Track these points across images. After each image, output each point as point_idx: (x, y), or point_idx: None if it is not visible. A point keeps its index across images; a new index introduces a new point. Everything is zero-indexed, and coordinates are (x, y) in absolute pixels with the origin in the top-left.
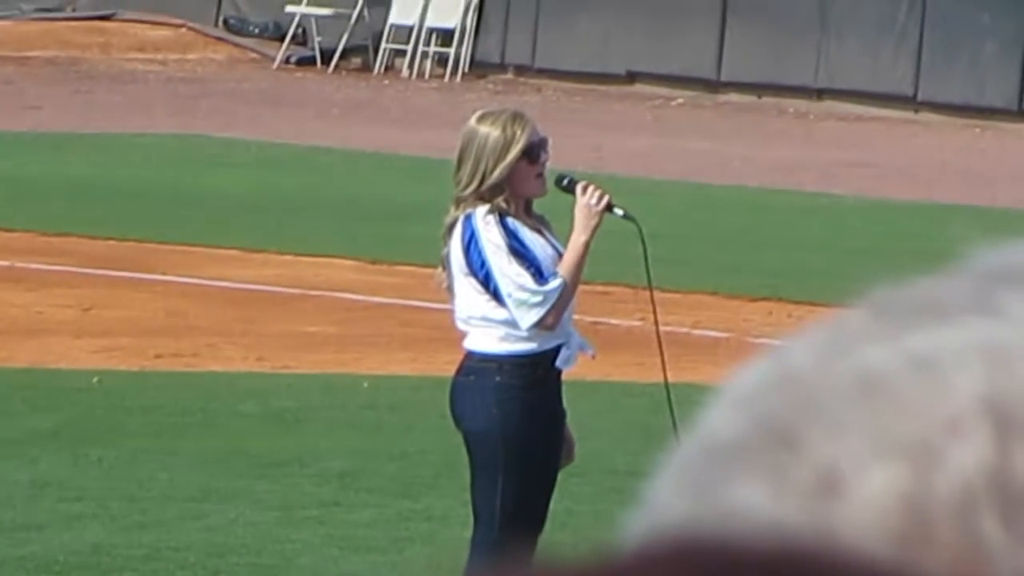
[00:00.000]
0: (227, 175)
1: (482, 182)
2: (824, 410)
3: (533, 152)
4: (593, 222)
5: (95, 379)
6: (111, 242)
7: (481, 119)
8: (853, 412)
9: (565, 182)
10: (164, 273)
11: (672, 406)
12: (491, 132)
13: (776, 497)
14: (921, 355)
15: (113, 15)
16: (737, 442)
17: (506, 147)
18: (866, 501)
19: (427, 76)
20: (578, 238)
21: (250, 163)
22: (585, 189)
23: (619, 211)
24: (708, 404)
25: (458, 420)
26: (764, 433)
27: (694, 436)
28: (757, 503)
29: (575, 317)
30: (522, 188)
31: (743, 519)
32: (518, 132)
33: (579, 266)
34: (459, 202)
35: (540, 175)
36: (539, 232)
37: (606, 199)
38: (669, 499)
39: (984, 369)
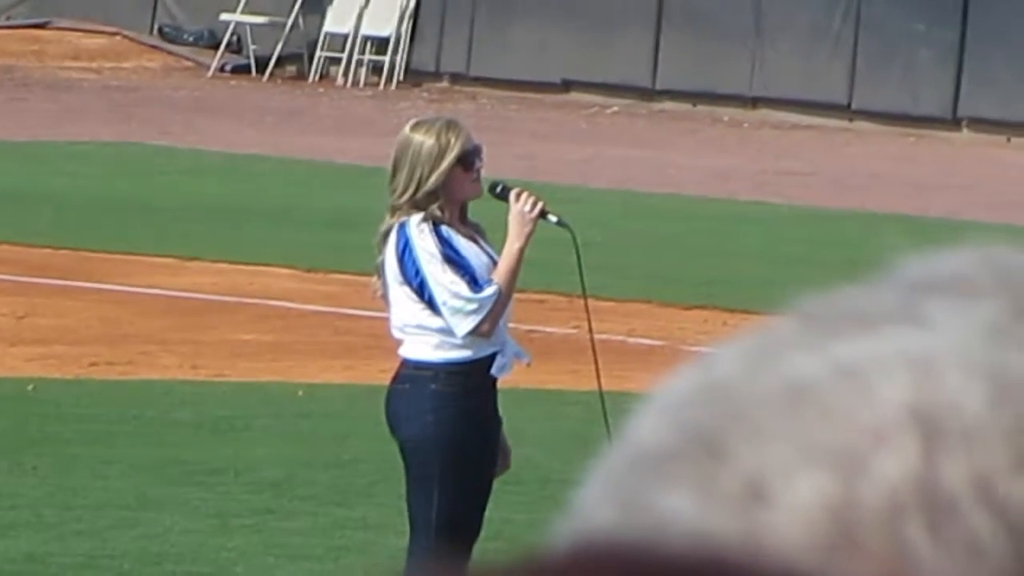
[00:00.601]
0: (162, 183)
1: (417, 189)
2: (750, 418)
3: (468, 159)
4: (527, 229)
5: (30, 387)
6: (46, 250)
7: (415, 127)
8: (779, 421)
9: (499, 189)
10: (99, 281)
11: (607, 414)
12: (426, 140)
13: (702, 505)
14: (847, 364)
15: (48, 23)
16: (664, 450)
17: (441, 154)
18: (792, 510)
19: (362, 84)
20: (512, 245)
21: (185, 171)
22: (519, 196)
23: (553, 218)
24: (636, 412)
25: (394, 428)
26: (691, 441)
27: (621, 444)
28: (683, 511)
29: (510, 325)
30: (458, 193)
31: (669, 527)
32: (452, 139)
33: (514, 273)
34: (394, 210)
35: (475, 181)
36: (473, 240)
37: (540, 206)
38: (596, 506)
39: (910, 378)
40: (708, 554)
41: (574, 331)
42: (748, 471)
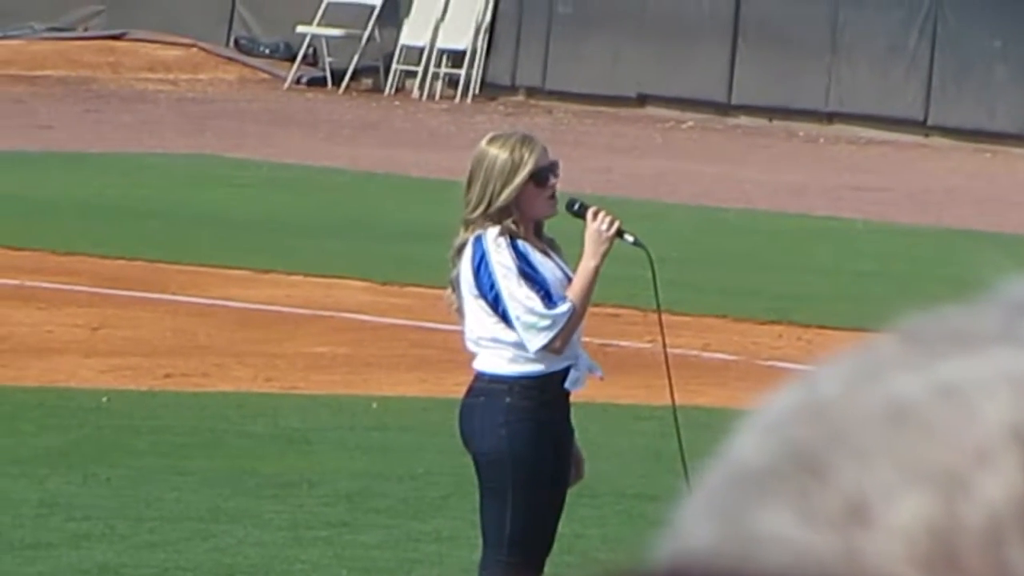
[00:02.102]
0: (237, 195)
1: (490, 204)
2: (852, 438)
3: (541, 175)
4: (603, 248)
5: (104, 398)
6: (121, 262)
7: (491, 141)
8: (881, 441)
9: (576, 207)
10: (174, 293)
11: (679, 430)
12: (499, 155)
13: (803, 524)
14: (950, 384)
15: (124, 35)
16: (765, 469)
17: (514, 170)
18: (893, 530)
19: (437, 97)
20: (588, 263)
21: (260, 183)
22: (596, 215)
23: (629, 237)
24: (736, 430)
25: (467, 441)
26: (792, 460)
27: (722, 462)
28: (784, 530)
29: (584, 339)
30: (531, 210)
31: (769, 546)
32: (526, 155)
33: (588, 291)
34: (468, 224)
35: (551, 197)
36: (548, 255)
37: (616, 225)
38: (695, 524)
39: (1012, 398)
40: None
41: (648, 346)
42: (849, 491)
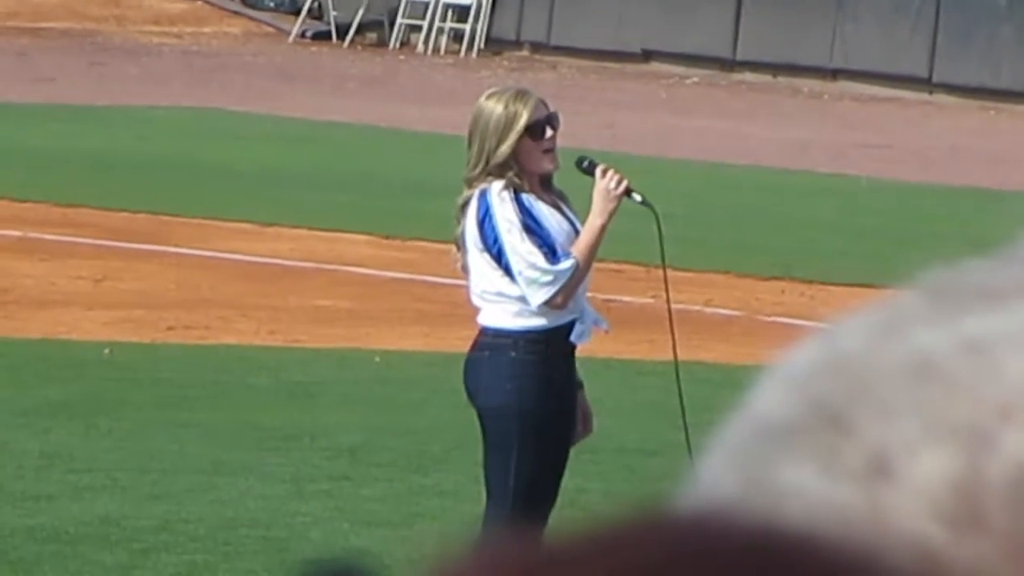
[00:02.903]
0: (241, 149)
1: (488, 161)
2: (876, 393)
3: (536, 128)
4: (611, 206)
5: (107, 351)
6: (124, 214)
7: (488, 98)
8: (905, 396)
9: (585, 164)
10: (177, 246)
11: (680, 386)
12: (495, 111)
13: (826, 479)
14: (974, 339)
15: None
16: (788, 423)
17: (508, 125)
18: (917, 485)
19: (442, 52)
20: (594, 221)
21: (264, 137)
22: (604, 173)
23: (637, 197)
24: (759, 384)
25: (472, 396)
26: (815, 415)
27: (745, 415)
28: (807, 485)
29: (588, 294)
30: (530, 164)
31: (792, 499)
32: (520, 109)
33: (593, 248)
34: (469, 182)
35: (548, 151)
36: (556, 207)
37: (624, 184)
38: (719, 477)
39: None
40: (781, 539)
41: (651, 301)
42: (873, 446)
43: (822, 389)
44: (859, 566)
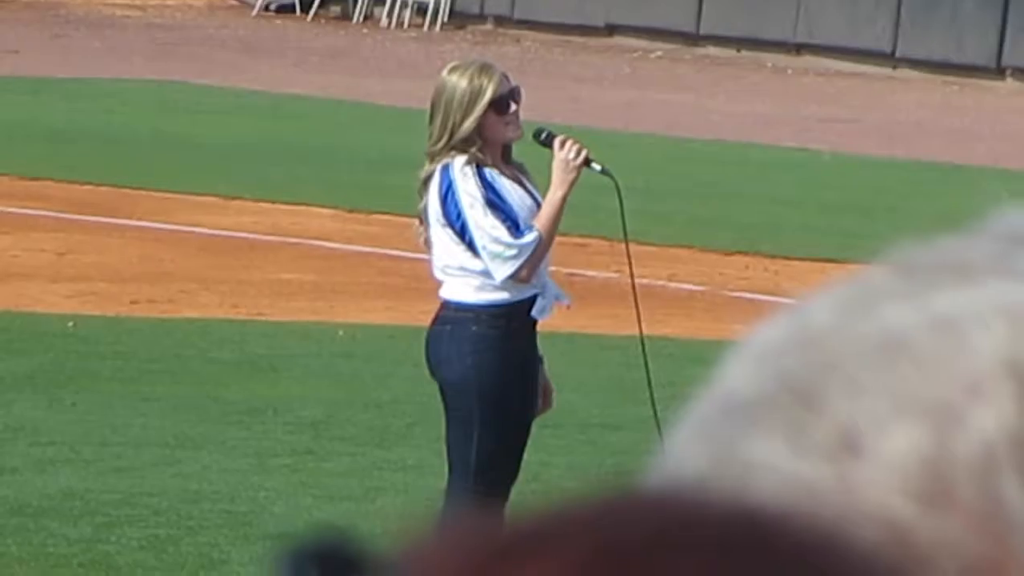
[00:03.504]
0: (204, 122)
1: (452, 135)
2: (845, 369)
3: (501, 103)
4: (571, 177)
5: (70, 324)
6: (88, 187)
7: (450, 72)
8: (874, 372)
9: (543, 136)
10: (140, 219)
11: (647, 360)
12: (458, 85)
13: (795, 454)
14: (943, 315)
15: None
16: (757, 399)
17: (473, 100)
18: (886, 461)
19: (406, 26)
20: (555, 193)
21: (227, 110)
22: (563, 144)
23: (597, 166)
24: (726, 359)
25: (434, 370)
26: (784, 391)
27: (713, 391)
28: (776, 460)
29: (551, 268)
30: (494, 137)
31: (761, 476)
32: (485, 83)
33: (555, 220)
34: (432, 156)
35: (510, 124)
36: (518, 181)
37: (584, 154)
38: (687, 452)
39: (1007, 331)
40: (760, 512)
41: (615, 275)
42: (842, 422)
43: (791, 365)
44: (835, 541)
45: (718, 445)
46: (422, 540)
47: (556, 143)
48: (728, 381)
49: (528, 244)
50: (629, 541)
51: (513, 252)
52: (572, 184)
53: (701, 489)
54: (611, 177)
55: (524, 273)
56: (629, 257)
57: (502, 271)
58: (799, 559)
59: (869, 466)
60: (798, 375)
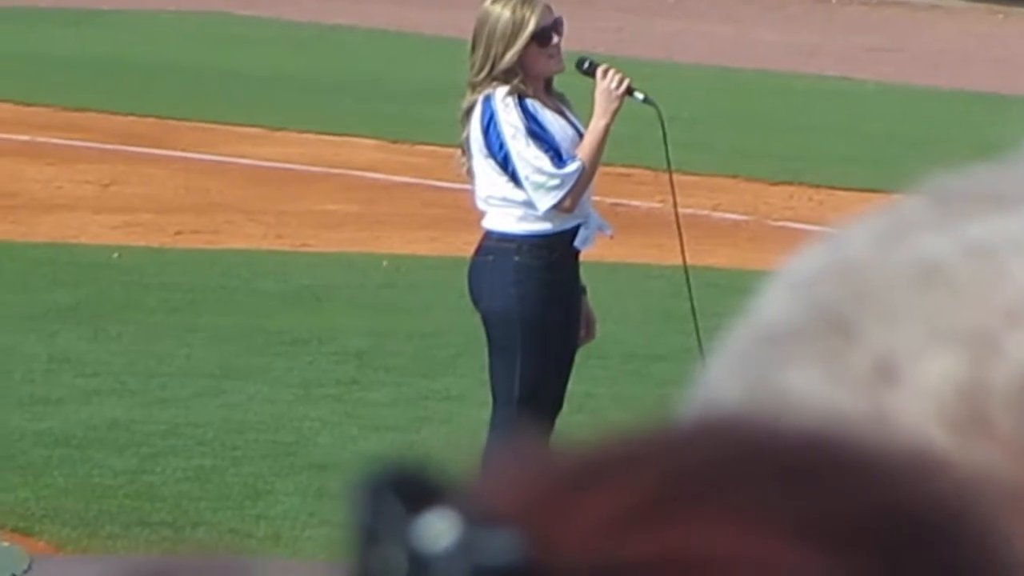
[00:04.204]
0: (249, 53)
1: (494, 67)
2: (881, 298)
3: (543, 35)
4: (613, 106)
5: (115, 255)
6: (132, 118)
7: (494, 2)
8: (910, 300)
9: (585, 66)
10: (184, 150)
11: (691, 290)
12: (501, 16)
13: (831, 383)
14: (979, 244)
15: None
16: (793, 328)
17: (516, 32)
18: (922, 389)
19: None
20: (598, 122)
21: (271, 41)
22: (605, 73)
23: (639, 95)
24: (763, 289)
25: (476, 300)
26: (820, 320)
27: (749, 321)
28: (811, 389)
29: (594, 198)
30: (536, 69)
31: (796, 404)
32: (527, 15)
33: (598, 150)
34: (473, 87)
35: (553, 56)
36: (560, 112)
37: (626, 83)
38: (723, 382)
39: None
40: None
41: (659, 205)
42: (878, 350)
43: (827, 294)
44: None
45: (753, 375)
46: (489, 469)
47: (598, 72)
48: (764, 311)
49: (571, 173)
50: (698, 466)
51: (556, 182)
52: (615, 113)
53: (763, 415)
54: (654, 106)
55: (567, 203)
56: (673, 187)
57: (545, 201)
58: (870, 480)
59: (905, 394)
60: (834, 304)
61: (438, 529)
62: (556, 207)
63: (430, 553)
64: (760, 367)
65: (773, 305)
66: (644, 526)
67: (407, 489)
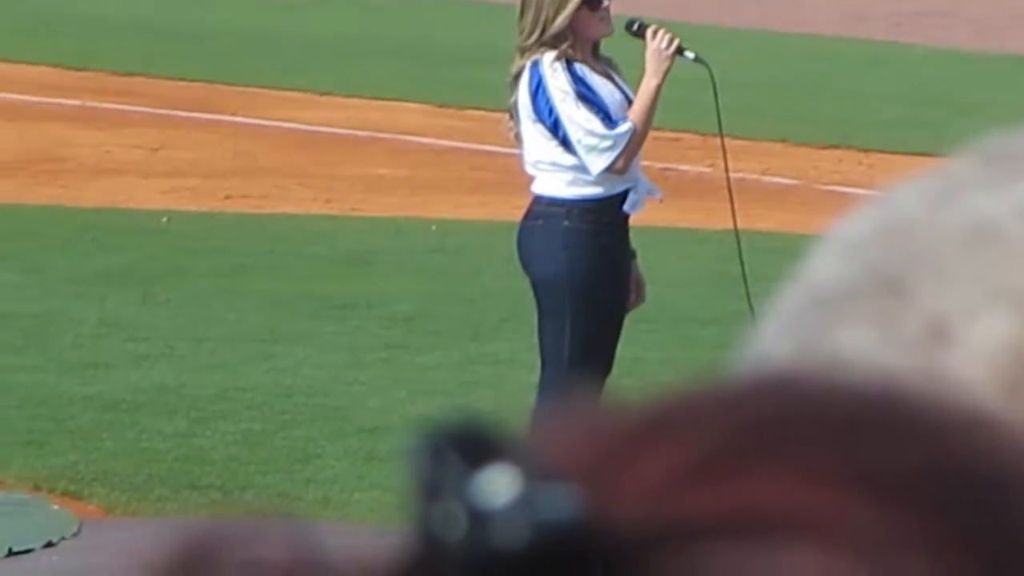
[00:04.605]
0: (298, 17)
1: (544, 31)
2: (933, 258)
3: (594, 0)
4: (664, 66)
5: (164, 219)
6: (181, 83)
7: None
8: (963, 261)
9: (635, 27)
10: (234, 114)
11: (742, 254)
12: None
13: (884, 344)
14: None
15: None
16: (845, 289)
17: None
18: (975, 349)
19: None
20: (649, 82)
21: (321, 5)
22: (655, 34)
23: (690, 54)
24: (813, 252)
25: (526, 264)
26: (873, 281)
27: (801, 283)
28: (864, 349)
29: (643, 163)
30: (586, 33)
31: (851, 366)
32: None
33: (650, 111)
34: (523, 51)
35: (603, 19)
36: (607, 76)
37: (676, 43)
38: (775, 344)
39: None
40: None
41: (708, 170)
42: (930, 311)
43: (879, 255)
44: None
45: (805, 336)
46: (549, 425)
47: (648, 33)
48: (815, 273)
49: (623, 134)
50: (758, 422)
51: (608, 143)
52: (666, 73)
53: (820, 372)
54: (705, 64)
55: (620, 164)
56: (724, 148)
57: (598, 163)
58: (929, 435)
59: (959, 355)
60: (886, 265)
61: (498, 484)
62: (609, 169)
63: (490, 508)
64: (812, 329)
65: (825, 267)
66: (705, 482)
67: (467, 445)
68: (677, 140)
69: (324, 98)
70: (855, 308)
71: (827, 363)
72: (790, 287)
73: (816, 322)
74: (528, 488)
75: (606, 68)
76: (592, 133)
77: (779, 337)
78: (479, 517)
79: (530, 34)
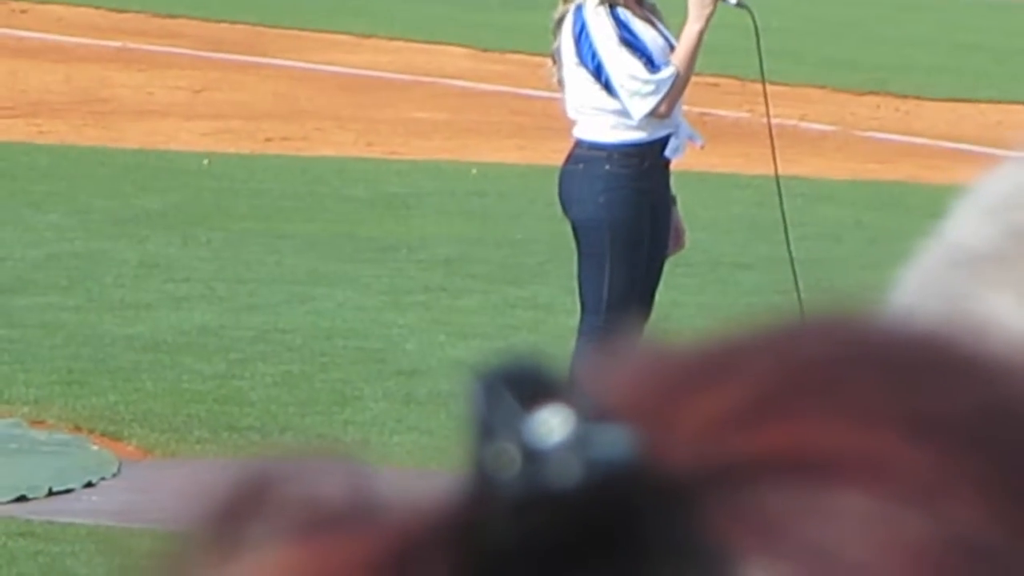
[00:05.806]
0: None
1: None
2: None
3: None
4: (707, 11)
5: (205, 161)
6: (223, 24)
7: None
8: None
9: None
10: (275, 57)
11: (782, 200)
12: None
13: (1021, 308)
14: None
15: None
16: (987, 253)
17: None
18: None
19: None
20: (691, 27)
21: None
22: None
23: (732, 0)
24: (954, 210)
25: (566, 208)
26: (1015, 245)
27: (941, 243)
28: (1005, 313)
29: (683, 108)
30: None
31: (991, 328)
32: None
33: (692, 56)
34: None
35: None
36: (650, 22)
37: None
38: (918, 300)
39: None
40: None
41: (746, 115)
42: None
43: (1020, 217)
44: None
45: (946, 298)
46: (602, 366)
47: None
48: (956, 233)
49: (666, 79)
50: (810, 363)
51: (651, 88)
52: (708, 19)
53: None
54: (747, 9)
55: (663, 108)
56: (765, 92)
57: (641, 107)
58: (984, 380)
59: None
60: None
61: (552, 424)
62: (651, 113)
63: (543, 448)
64: (953, 290)
65: (965, 228)
66: (758, 423)
67: (521, 385)
68: (716, 85)
69: (366, 41)
70: (996, 272)
71: (970, 326)
72: (930, 245)
73: (957, 284)
74: (582, 428)
75: (648, 14)
76: (635, 77)
77: (921, 294)
78: (533, 456)
79: None
